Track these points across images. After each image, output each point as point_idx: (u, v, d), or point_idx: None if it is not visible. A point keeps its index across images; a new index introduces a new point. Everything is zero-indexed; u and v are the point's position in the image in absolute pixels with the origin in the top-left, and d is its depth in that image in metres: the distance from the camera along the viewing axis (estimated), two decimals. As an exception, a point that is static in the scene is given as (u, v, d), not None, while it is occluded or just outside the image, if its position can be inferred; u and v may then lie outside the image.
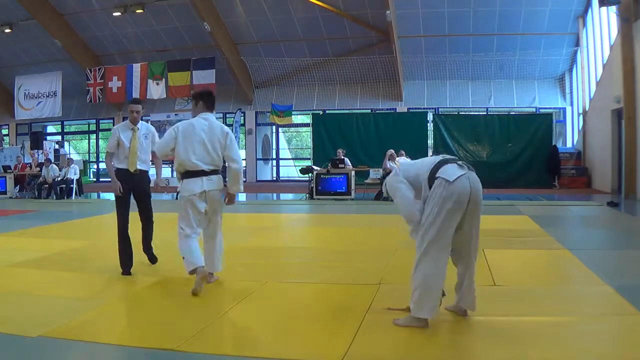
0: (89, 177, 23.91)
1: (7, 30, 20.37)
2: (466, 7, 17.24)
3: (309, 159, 18.85)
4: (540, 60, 18.46)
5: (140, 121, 5.40)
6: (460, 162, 3.50)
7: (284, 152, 24.83)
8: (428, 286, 3.39)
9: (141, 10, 18.92)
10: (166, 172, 17.79)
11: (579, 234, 8.20)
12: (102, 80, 20.45)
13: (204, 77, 19.44)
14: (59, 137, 24.95)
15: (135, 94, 19.99)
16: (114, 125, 23.06)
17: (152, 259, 5.56)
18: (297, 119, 22.47)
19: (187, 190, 4.46)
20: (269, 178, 22.51)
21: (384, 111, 19.96)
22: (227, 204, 4.68)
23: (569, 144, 19.18)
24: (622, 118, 13.29)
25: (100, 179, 24.46)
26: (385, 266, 5.39)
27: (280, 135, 23.58)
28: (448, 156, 3.60)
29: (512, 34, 17.83)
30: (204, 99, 4.66)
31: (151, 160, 5.53)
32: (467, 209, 3.41)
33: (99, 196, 16.88)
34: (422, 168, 3.56)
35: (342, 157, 13.97)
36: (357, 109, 20.45)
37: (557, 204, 12.12)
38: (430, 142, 18.06)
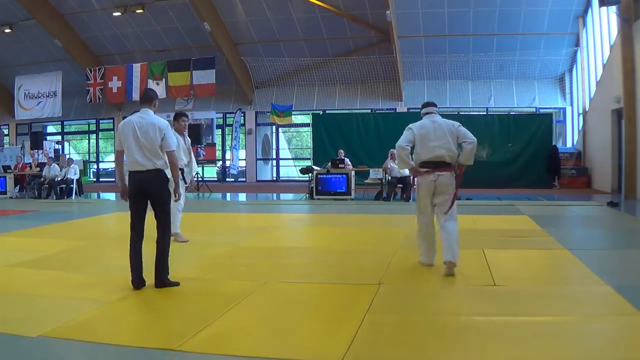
0: (89, 177, 23.92)
1: (7, 30, 20.36)
2: (466, 7, 17.23)
3: (309, 159, 18.84)
4: (540, 60, 18.46)
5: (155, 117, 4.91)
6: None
7: (284, 152, 24.82)
8: (420, 239, 5.37)
9: (141, 10, 18.91)
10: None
11: (579, 234, 8.19)
12: (102, 80, 20.46)
13: (204, 77, 19.45)
14: (59, 137, 24.96)
15: (135, 94, 19.99)
16: (114, 125, 23.19)
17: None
18: (297, 119, 22.48)
19: None
20: (269, 178, 22.51)
21: (384, 111, 19.96)
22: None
23: (569, 144, 19.17)
24: (622, 118, 13.28)
25: (100, 179, 24.49)
26: (385, 266, 5.39)
27: (280, 135, 23.58)
28: (435, 155, 5.13)
29: (512, 34, 17.83)
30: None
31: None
32: (435, 191, 5.17)
33: (99, 196, 16.88)
34: (422, 151, 5.20)
35: (343, 158, 13.99)
36: (357, 109, 20.44)
37: (557, 204, 12.12)
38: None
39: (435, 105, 5.50)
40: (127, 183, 4.67)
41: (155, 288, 4.56)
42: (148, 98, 4.77)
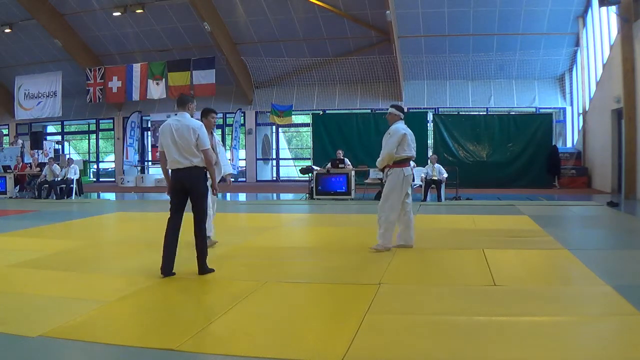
0: (89, 177, 23.91)
1: (7, 30, 20.36)
2: (466, 7, 17.24)
3: (309, 159, 18.84)
4: (540, 60, 18.47)
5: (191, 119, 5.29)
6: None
7: (284, 152, 24.82)
8: (392, 226, 6.21)
9: (141, 10, 18.91)
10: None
11: (579, 234, 8.20)
12: (102, 80, 20.45)
13: (204, 77, 19.44)
14: (59, 137, 24.95)
15: (135, 94, 20.00)
16: (113, 125, 23.19)
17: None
18: (297, 119, 22.47)
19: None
20: (269, 178, 22.51)
21: (384, 111, 19.91)
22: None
23: (569, 144, 19.18)
24: (622, 118, 13.28)
25: (100, 179, 24.48)
26: (385, 266, 5.39)
27: (280, 135, 23.58)
28: (413, 154, 6.27)
29: (512, 34, 17.84)
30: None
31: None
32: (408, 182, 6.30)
33: (99, 196, 16.88)
34: (408, 149, 6.25)
35: (342, 158, 13.99)
36: (357, 109, 20.44)
37: (557, 204, 12.12)
38: (430, 142, 18.06)
39: None
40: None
41: (198, 275, 5.01)
42: (183, 102, 5.31)
